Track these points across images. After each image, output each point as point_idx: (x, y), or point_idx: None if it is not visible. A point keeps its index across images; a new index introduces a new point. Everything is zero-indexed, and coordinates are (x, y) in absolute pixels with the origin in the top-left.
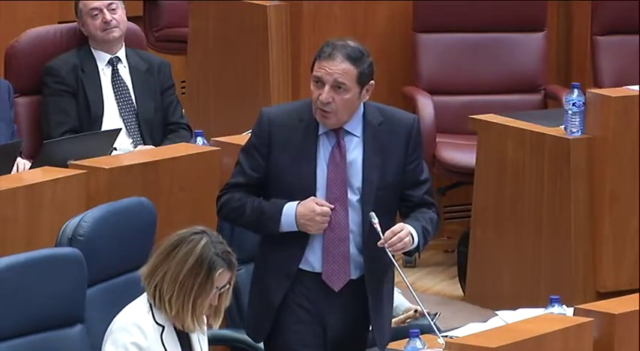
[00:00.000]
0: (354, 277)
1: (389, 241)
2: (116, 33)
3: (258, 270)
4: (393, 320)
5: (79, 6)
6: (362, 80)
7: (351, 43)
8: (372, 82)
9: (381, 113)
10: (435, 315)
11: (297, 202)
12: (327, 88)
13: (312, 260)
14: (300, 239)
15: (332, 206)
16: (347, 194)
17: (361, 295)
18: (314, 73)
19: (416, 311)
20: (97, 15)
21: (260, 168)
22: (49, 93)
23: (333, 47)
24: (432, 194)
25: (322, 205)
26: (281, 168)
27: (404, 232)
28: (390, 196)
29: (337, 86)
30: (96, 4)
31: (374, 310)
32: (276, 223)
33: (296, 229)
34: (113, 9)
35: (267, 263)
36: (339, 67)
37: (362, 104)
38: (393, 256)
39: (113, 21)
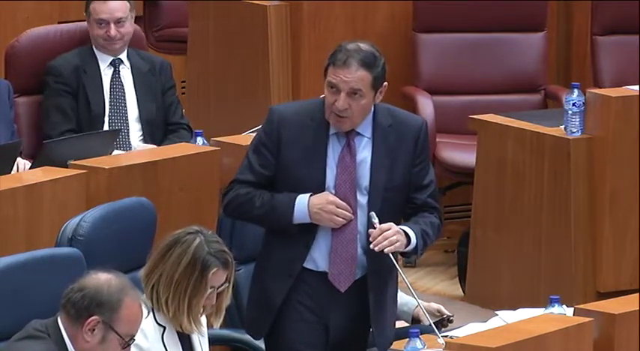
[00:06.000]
0: (357, 276)
1: (376, 240)
2: (118, 45)
3: (261, 268)
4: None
5: (89, 6)
6: (376, 84)
7: (363, 46)
8: (385, 83)
9: (390, 115)
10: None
11: (310, 193)
12: (342, 95)
13: (318, 259)
14: (305, 237)
15: (349, 209)
16: (356, 196)
17: (364, 295)
18: (329, 78)
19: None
20: (102, 26)
21: (270, 165)
22: (49, 93)
23: (347, 54)
24: (437, 199)
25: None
26: (290, 167)
27: (390, 231)
28: (397, 198)
29: (353, 93)
30: (104, 16)
31: (375, 311)
32: (289, 214)
33: (308, 220)
34: (121, 23)
35: (270, 261)
36: (355, 75)
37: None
38: (393, 256)
39: (117, 35)
